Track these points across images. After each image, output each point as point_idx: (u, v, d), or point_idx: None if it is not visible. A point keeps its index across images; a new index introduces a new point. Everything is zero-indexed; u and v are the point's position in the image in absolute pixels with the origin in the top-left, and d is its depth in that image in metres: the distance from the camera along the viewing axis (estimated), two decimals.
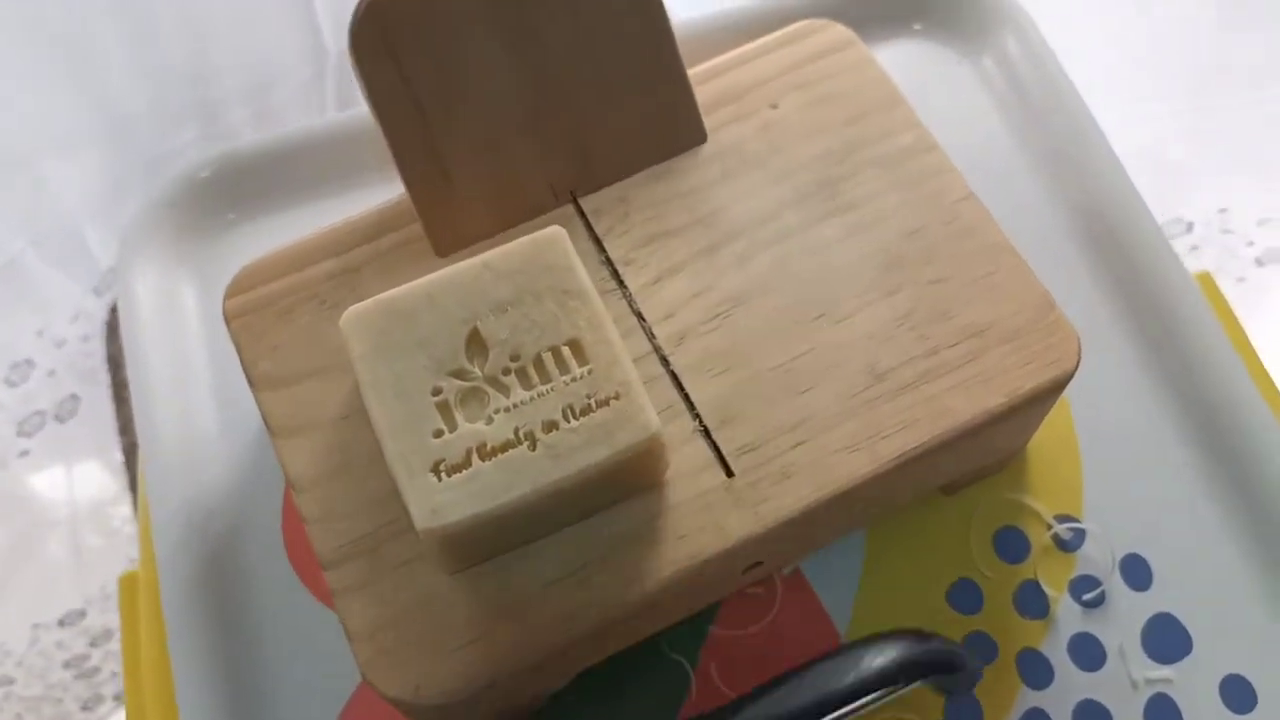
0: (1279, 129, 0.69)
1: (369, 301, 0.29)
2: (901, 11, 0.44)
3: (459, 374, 0.28)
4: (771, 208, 0.33)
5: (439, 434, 0.27)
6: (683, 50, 0.33)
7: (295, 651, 0.34)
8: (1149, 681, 0.33)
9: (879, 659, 0.30)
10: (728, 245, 0.32)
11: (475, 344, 0.28)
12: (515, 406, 0.27)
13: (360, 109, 0.40)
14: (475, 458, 0.27)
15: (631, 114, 0.33)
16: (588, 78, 0.33)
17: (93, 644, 0.71)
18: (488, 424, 0.27)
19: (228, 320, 0.32)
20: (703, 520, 0.29)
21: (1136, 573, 0.35)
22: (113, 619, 0.71)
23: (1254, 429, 0.36)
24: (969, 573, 0.35)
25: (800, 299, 0.31)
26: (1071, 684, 0.33)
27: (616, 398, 0.27)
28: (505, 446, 0.27)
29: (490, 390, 0.28)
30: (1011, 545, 0.35)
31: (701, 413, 0.30)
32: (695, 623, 0.34)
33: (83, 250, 0.66)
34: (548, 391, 0.27)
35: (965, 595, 0.35)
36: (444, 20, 0.31)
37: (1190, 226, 0.73)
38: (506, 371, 0.28)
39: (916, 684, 0.31)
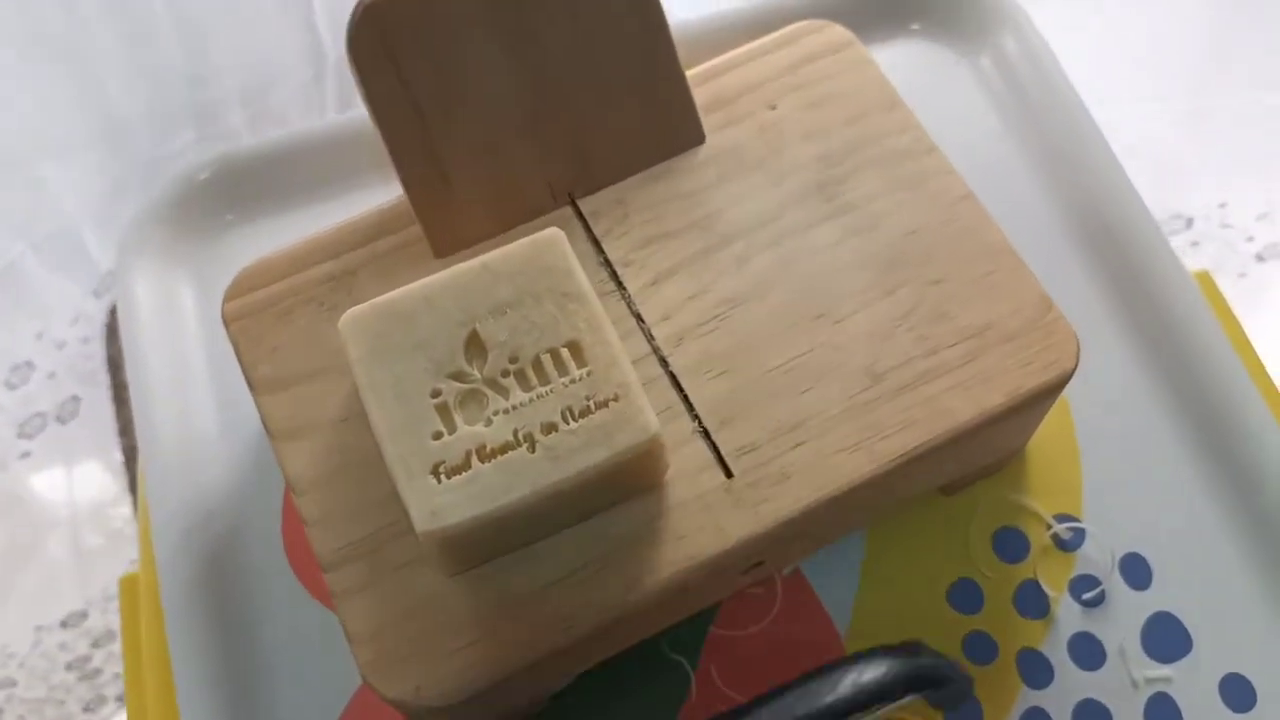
0: (1278, 127, 0.69)
1: (368, 304, 0.29)
2: (899, 12, 0.44)
3: (458, 376, 0.28)
4: (770, 209, 0.33)
5: (438, 436, 0.27)
6: (681, 51, 0.33)
7: (295, 653, 0.34)
8: (1149, 680, 0.33)
9: (864, 676, 0.30)
10: (726, 246, 0.32)
11: (474, 346, 0.28)
12: (514, 408, 0.27)
13: (359, 111, 0.40)
14: (475, 460, 0.27)
15: (630, 115, 0.33)
16: (586, 80, 0.33)
17: (95, 645, 0.71)
18: (487, 426, 0.27)
19: (227, 323, 0.32)
20: (702, 521, 0.29)
21: (1136, 572, 0.35)
22: (114, 620, 0.71)
23: (1253, 428, 0.36)
24: (969, 573, 0.35)
25: (799, 300, 0.31)
26: (1071, 683, 0.33)
27: (615, 399, 0.27)
28: (504, 448, 0.27)
29: (489, 392, 0.28)
30: (1011, 545, 0.35)
31: (700, 414, 0.30)
32: (695, 623, 0.34)
33: (82, 252, 0.66)
34: (547, 393, 0.27)
35: (965, 595, 0.35)
36: (442, 23, 0.31)
37: (1190, 222, 0.73)
38: (505, 373, 0.28)
39: (908, 699, 0.31)
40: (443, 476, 0.27)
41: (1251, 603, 0.34)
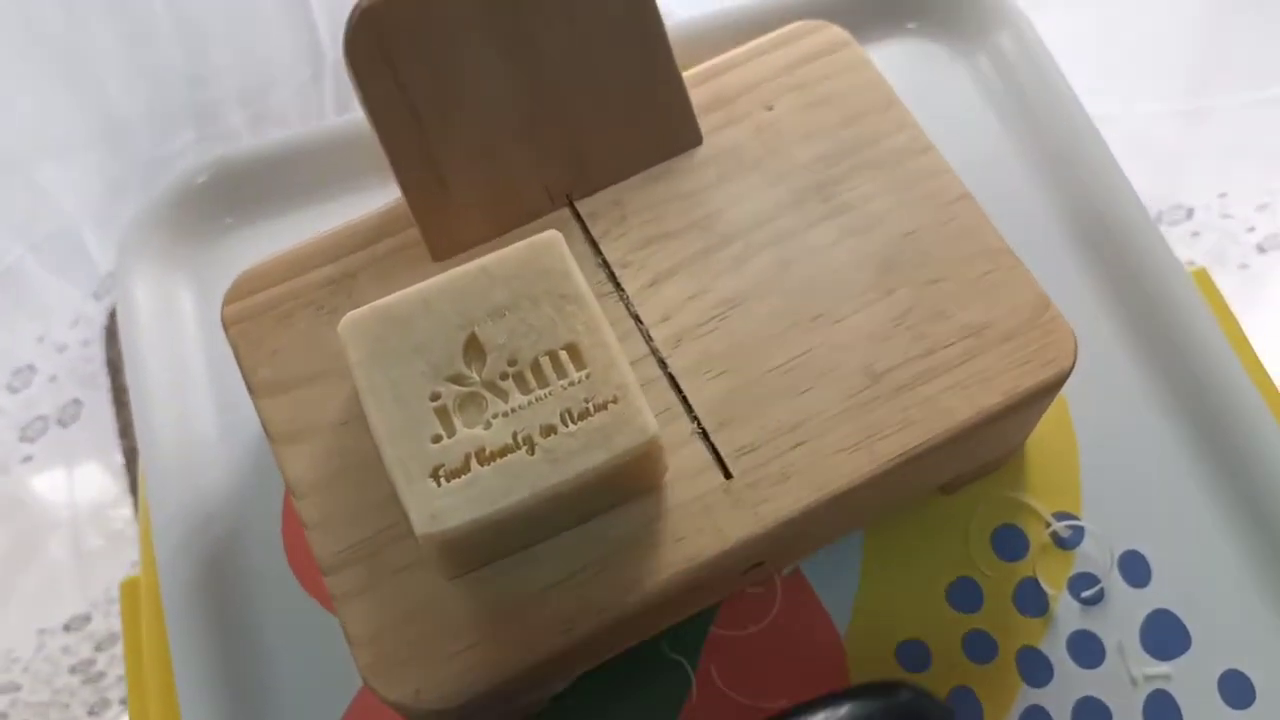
0: (1277, 125, 0.69)
1: (366, 307, 0.29)
2: (896, 11, 0.44)
3: (457, 379, 0.28)
4: (768, 209, 0.33)
5: (437, 439, 0.27)
6: (677, 52, 0.33)
7: (296, 656, 0.34)
8: (1148, 678, 0.34)
9: (839, 715, 0.30)
10: (724, 247, 0.32)
11: (473, 349, 0.28)
12: (513, 411, 0.27)
13: (357, 114, 0.40)
14: (474, 463, 0.27)
15: (627, 117, 0.33)
16: (583, 82, 0.33)
17: (98, 649, 0.71)
18: (486, 429, 0.27)
19: (226, 327, 0.32)
20: (702, 522, 0.29)
21: (1135, 569, 0.35)
22: (117, 623, 0.71)
23: (1251, 425, 0.36)
24: (968, 571, 0.35)
25: (797, 300, 0.31)
26: (1071, 681, 0.34)
27: (614, 401, 0.27)
28: (504, 451, 0.27)
29: (488, 395, 0.28)
30: (1010, 543, 0.35)
31: (699, 415, 0.30)
32: (695, 623, 0.34)
33: (82, 254, 0.66)
34: (545, 396, 0.28)
35: (964, 594, 0.35)
36: (439, 26, 0.31)
37: (1190, 213, 0.73)
38: (504, 376, 0.28)
39: None
40: (442, 479, 0.27)
41: (1250, 599, 0.34)
